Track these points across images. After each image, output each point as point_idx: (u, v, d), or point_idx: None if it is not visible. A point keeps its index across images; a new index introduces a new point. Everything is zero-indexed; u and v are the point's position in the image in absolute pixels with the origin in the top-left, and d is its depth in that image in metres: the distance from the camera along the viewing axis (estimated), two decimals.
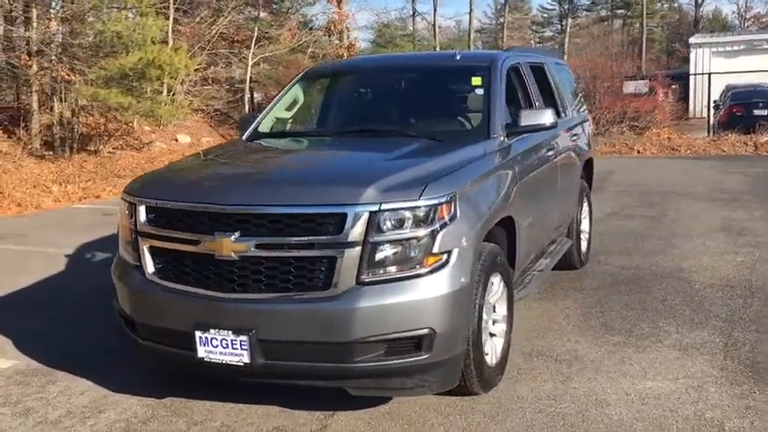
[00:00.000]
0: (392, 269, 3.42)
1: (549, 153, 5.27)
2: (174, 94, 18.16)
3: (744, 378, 4.15)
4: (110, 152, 16.89)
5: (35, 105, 15.78)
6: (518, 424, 3.67)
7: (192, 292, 3.61)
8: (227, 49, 20.01)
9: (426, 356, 3.46)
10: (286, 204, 3.44)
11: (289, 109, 5.28)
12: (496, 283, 4.11)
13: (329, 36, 21.50)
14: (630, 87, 21.47)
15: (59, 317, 5.69)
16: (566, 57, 27.37)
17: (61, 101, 16.19)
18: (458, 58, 5.11)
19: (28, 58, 14.23)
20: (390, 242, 3.40)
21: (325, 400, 3.90)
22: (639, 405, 3.84)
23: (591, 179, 7.06)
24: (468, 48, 48.90)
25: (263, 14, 20.73)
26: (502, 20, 56.72)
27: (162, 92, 17.85)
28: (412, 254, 3.44)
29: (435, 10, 46.79)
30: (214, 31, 19.17)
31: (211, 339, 3.51)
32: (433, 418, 3.76)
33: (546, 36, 67.13)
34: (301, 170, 4.09)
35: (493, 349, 4.10)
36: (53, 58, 15.25)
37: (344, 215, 3.36)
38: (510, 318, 4.30)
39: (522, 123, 4.59)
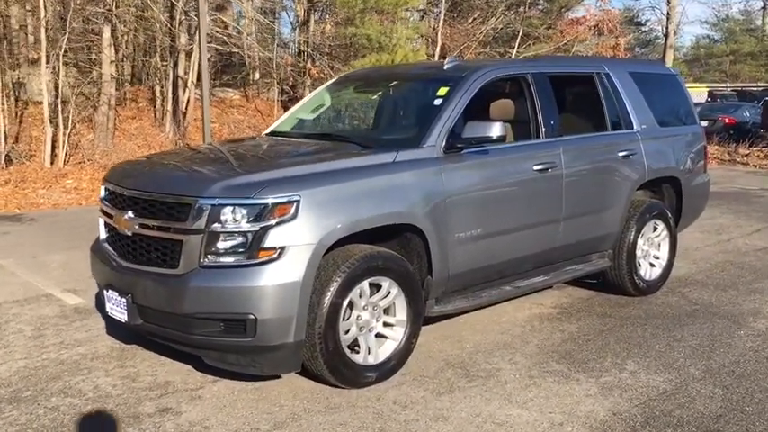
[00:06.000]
0: (227, 257, 3.88)
1: (541, 167, 5.08)
2: None
3: (622, 426, 3.78)
4: None
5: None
6: (342, 418, 3.88)
7: (111, 256, 4.45)
8: (495, 48, 20.50)
9: (251, 339, 3.87)
10: (152, 191, 4.11)
11: (314, 111, 5.83)
12: (385, 287, 4.29)
13: (599, 34, 20.75)
14: None
15: None
16: None
17: None
18: (445, 68, 5.18)
19: (298, 58, 16.35)
20: (226, 233, 3.86)
21: (222, 370, 4.40)
22: (473, 428, 3.77)
23: (680, 201, 6.39)
24: None
25: (531, 13, 20.79)
26: None
27: None
28: (244, 246, 3.86)
29: None
30: (482, 32, 19.80)
31: (110, 297, 4.32)
32: (285, 399, 4.12)
33: None
34: (191, 165, 4.63)
35: (371, 349, 4.29)
36: (323, 57, 17.28)
37: (190, 206, 3.91)
38: (411, 324, 4.40)
39: (465, 135, 4.60)
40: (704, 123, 21.61)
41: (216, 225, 3.85)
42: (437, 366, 4.60)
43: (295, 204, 3.87)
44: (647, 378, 4.41)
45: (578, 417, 3.89)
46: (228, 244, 3.87)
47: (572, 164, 5.29)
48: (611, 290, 6.09)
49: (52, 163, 14.20)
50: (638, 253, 6.00)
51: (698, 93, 26.38)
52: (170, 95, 16.85)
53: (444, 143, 4.59)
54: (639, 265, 6.03)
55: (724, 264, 7.29)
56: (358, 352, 4.26)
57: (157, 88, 17.38)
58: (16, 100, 16.17)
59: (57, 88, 14.66)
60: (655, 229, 6.15)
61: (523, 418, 3.87)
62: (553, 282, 5.48)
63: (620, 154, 5.70)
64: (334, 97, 5.93)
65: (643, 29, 46.00)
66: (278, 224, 3.84)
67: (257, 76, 20.70)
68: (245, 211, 3.84)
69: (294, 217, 3.87)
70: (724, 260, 7.45)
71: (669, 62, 40.10)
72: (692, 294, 6.19)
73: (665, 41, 41.06)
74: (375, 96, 5.88)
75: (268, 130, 5.77)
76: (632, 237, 5.85)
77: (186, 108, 16.68)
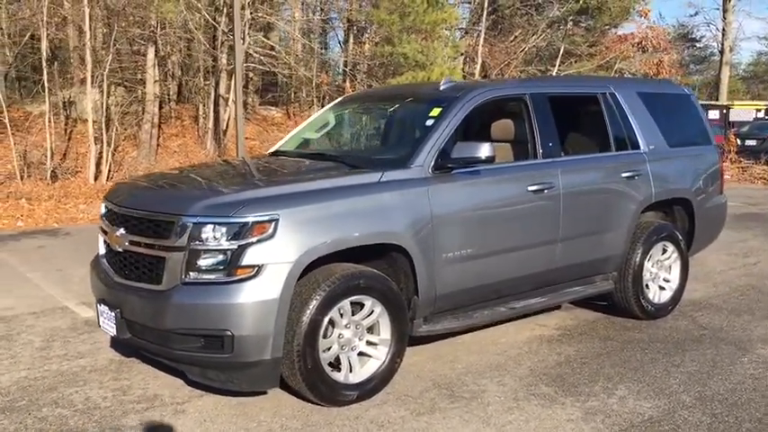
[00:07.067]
0: (207, 274, 3.96)
1: (536, 188, 5.04)
2: None
3: None
4: None
5: None
6: None
7: (106, 272, 4.58)
8: (538, 66, 20.38)
9: (228, 355, 3.94)
10: (140, 209, 4.24)
11: (318, 131, 5.92)
12: (368, 306, 4.31)
13: (643, 51, 20.39)
14: None
15: None
16: None
17: None
18: (441, 88, 5.21)
19: (327, 76, 16.56)
20: (206, 251, 3.95)
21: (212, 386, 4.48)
22: None
23: (692, 223, 6.25)
24: None
25: (574, 30, 20.61)
26: None
27: None
28: (223, 263, 3.94)
29: None
30: (523, 50, 19.72)
31: (102, 311, 4.45)
32: (264, 416, 4.16)
33: None
34: (179, 184, 4.74)
35: (354, 368, 4.31)
36: (361, 75, 17.46)
37: (173, 223, 4.02)
38: (395, 343, 4.41)
39: (454, 156, 4.61)
40: (752, 142, 21.12)
41: (197, 242, 3.95)
42: (423, 386, 4.59)
43: (274, 223, 3.94)
44: (634, 404, 4.32)
45: None
46: (208, 261, 3.96)
47: (570, 185, 5.23)
48: (619, 313, 5.99)
49: (96, 179, 14.67)
50: (646, 276, 5.88)
51: (749, 110, 25.64)
52: (211, 113, 17.24)
53: (433, 163, 4.60)
54: (647, 287, 5.91)
55: (745, 288, 7.08)
56: (341, 370, 4.28)
57: (200, 106, 17.81)
58: (66, 118, 16.78)
59: (103, 107, 15.15)
60: (664, 251, 6.03)
61: None
62: (551, 303, 5.43)
63: (624, 175, 5.61)
64: (337, 117, 6.01)
65: (698, 45, 45.11)
66: (257, 242, 3.91)
67: (304, 94, 21.03)
68: (224, 230, 3.93)
69: (272, 235, 3.93)
70: (746, 284, 7.24)
71: (725, 79, 39.31)
72: (702, 319, 6.04)
73: (721, 58, 40.25)
74: (373, 117, 5.96)
75: (272, 149, 5.88)
76: (638, 259, 5.74)
77: (227, 125, 17.03)
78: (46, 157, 14.37)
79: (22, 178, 13.84)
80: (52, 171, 14.26)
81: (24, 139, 15.14)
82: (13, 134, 14.24)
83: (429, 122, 4.81)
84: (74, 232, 10.49)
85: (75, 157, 15.66)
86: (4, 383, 4.68)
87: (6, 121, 14.00)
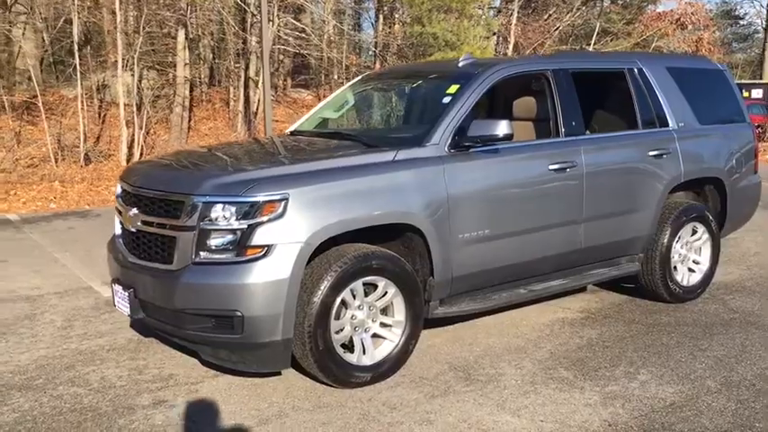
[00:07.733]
0: (217, 254, 3.92)
1: (557, 166, 4.89)
2: None
3: None
4: None
5: None
6: (327, 417, 3.85)
7: (121, 252, 4.57)
8: (573, 45, 20.00)
9: (238, 336, 3.90)
10: (152, 189, 4.21)
11: (337, 110, 5.83)
12: (381, 287, 4.24)
13: (682, 29, 19.77)
14: None
15: None
16: None
17: None
18: (459, 65, 5.08)
19: (356, 57, 16.44)
20: (216, 230, 3.90)
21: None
22: None
23: (724, 203, 6.04)
24: None
25: (610, 8, 20.13)
26: None
27: None
28: (233, 243, 3.89)
29: None
30: (557, 28, 19.37)
31: (117, 291, 4.44)
32: (277, 396, 4.13)
33: None
34: (193, 163, 4.69)
35: (367, 350, 4.25)
36: (392, 56, 17.31)
37: (183, 203, 3.98)
38: (410, 325, 4.33)
39: (470, 134, 4.49)
40: None
41: (207, 222, 3.90)
42: (439, 369, 4.51)
43: (284, 202, 3.87)
44: (656, 389, 4.19)
45: (570, 426, 3.74)
46: (218, 241, 3.91)
47: (594, 163, 5.08)
48: (645, 295, 5.83)
49: (128, 162, 14.79)
50: (675, 257, 5.70)
51: None
52: (242, 96, 17.27)
53: (450, 141, 4.49)
54: (675, 269, 5.73)
55: None
56: (354, 352, 4.22)
57: (231, 89, 17.84)
58: (100, 101, 16.94)
59: (135, 90, 15.25)
60: (694, 232, 5.84)
61: (511, 426, 3.74)
62: (573, 285, 5.28)
63: (651, 153, 5.42)
64: (357, 96, 5.91)
65: (741, 23, 43.92)
66: (267, 222, 3.85)
67: (335, 76, 20.93)
68: (233, 209, 3.87)
69: (282, 215, 3.87)
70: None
71: None
72: (734, 302, 5.84)
73: (765, 35, 39.11)
74: (392, 95, 5.85)
75: (291, 129, 5.81)
76: (666, 240, 5.56)
77: (257, 108, 17.04)
78: (79, 140, 14.53)
79: (56, 161, 14.02)
80: (85, 154, 14.41)
81: (59, 122, 15.32)
82: (47, 117, 14.42)
83: (446, 100, 4.69)
84: (104, 214, 10.57)
85: (108, 140, 15.81)
86: (24, 362, 4.71)
87: (41, 104, 14.17)
